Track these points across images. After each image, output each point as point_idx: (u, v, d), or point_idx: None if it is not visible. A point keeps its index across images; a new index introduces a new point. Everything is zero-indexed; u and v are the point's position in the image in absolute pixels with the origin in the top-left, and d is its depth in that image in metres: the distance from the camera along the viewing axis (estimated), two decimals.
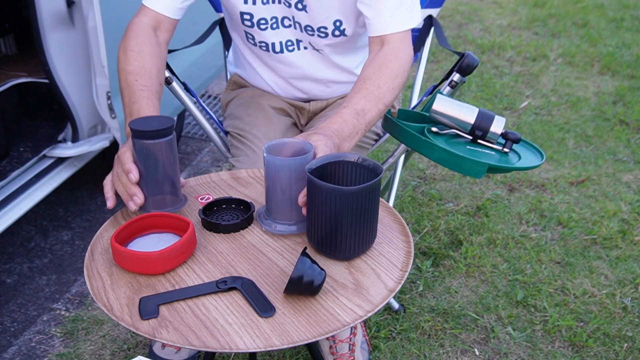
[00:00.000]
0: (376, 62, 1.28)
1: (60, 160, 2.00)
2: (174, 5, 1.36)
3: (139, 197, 1.04)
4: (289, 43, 1.44)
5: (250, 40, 1.46)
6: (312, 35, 1.40)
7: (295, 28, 1.41)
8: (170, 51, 1.52)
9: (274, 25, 1.41)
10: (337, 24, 1.38)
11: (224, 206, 1.13)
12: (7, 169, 1.85)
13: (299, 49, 1.44)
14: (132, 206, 1.05)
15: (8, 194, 1.83)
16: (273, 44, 1.43)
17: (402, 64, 1.29)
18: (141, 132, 1.01)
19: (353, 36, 1.41)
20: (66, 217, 2.32)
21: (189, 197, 1.17)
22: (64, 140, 1.99)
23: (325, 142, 1.12)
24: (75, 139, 1.97)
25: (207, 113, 1.66)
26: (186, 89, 1.57)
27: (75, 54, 1.86)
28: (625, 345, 1.73)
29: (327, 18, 1.36)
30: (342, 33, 1.39)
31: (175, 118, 1.06)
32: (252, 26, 1.41)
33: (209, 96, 3.31)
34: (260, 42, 1.44)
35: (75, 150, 1.96)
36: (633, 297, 1.90)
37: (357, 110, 1.21)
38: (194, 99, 1.60)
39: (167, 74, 1.48)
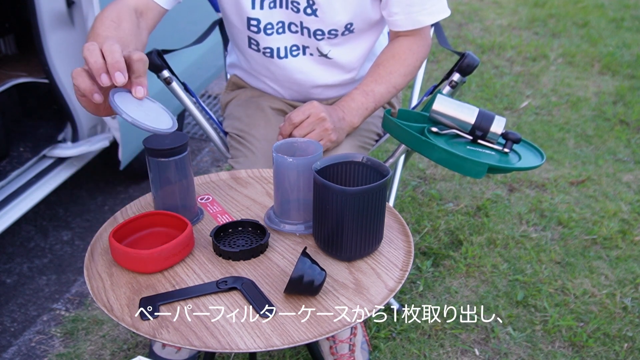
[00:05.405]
0: (391, 52, 1.39)
1: (60, 160, 2.00)
2: None
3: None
4: (294, 48, 1.41)
5: (253, 46, 1.44)
6: (322, 39, 1.38)
7: (302, 34, 1.38)
8: (169, 51, 1.51)
9: (280, 30, 1.38)
10: (348, 26, 1.37)
11: (239, 229, 1.06)
12: (7, 169, 1.85)
13: (304, 54, 1.42)
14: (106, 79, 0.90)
15: (8, 194, 1.83)
16: (278, 49, 1.41)
17: (417, 54, 1.40)
18: (155, 150, 1.01)
19: (360, 32, 1.41)
20: (66, 217, 2.32)
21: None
22: (64, 140, 1.98)
23: (318, 105, 1.26)
24: (75, 139, 1.97)
25: (207, 113, 1.66)
26: (186, 89, 1.56)
27: (75, 54, 1.86)
28: (626, 345, 1.73)
29: (340, 21, 1.35)
30: (351, 31, 1.40)
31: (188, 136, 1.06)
32: (258, 32, 1.38)
33: (209, 96, 3.31)
34: (264, 48, 1.41)
35: (75, 150, 1.96)
36: (633, 297, 1.90)
37: (366, 90, 1.34)
38: (194, 99, 1.60)
39: (167, 74, 1.48)
